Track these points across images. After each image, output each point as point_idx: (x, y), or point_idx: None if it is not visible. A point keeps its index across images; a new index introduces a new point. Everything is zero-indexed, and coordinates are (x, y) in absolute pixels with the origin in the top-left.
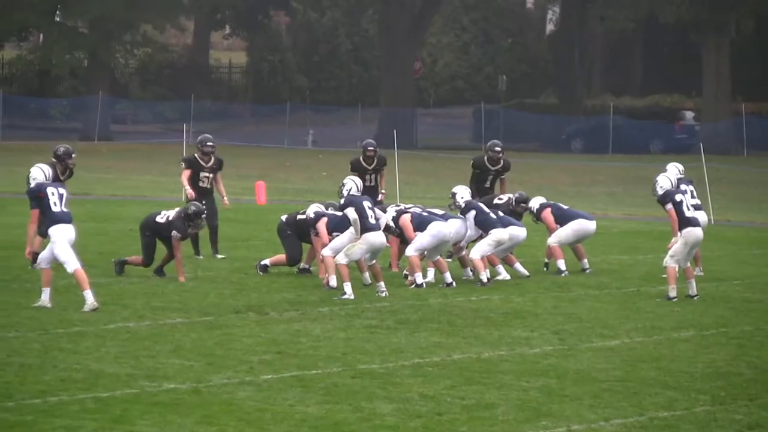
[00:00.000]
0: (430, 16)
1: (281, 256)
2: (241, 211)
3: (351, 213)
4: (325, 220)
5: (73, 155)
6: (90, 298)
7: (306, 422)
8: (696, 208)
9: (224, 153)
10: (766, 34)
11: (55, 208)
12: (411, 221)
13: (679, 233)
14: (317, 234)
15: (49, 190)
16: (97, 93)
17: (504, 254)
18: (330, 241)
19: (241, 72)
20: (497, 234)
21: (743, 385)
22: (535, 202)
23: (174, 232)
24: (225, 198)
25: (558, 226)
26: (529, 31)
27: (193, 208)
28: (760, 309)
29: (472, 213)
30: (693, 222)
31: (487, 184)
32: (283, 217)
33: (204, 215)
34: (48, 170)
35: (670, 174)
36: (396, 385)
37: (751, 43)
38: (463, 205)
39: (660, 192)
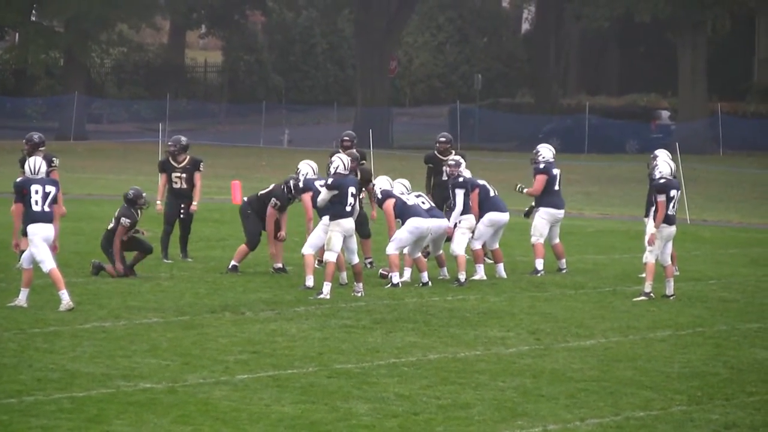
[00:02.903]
0: (406, 15)
1: (242, 248)
2: (216, 210)
3: (323, 198)
4: (310, 193)
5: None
6: (66, 298)
7: (282, 422)
8: None
9: (200, 152)
10: (742, 34)
11: (36, 207)
12: (394, 207)
13: (651, 226)
14: (277, 206)
15: (34, 187)
16: (73, 92)
17: (493, 242)
18: (309, 220)
19: (217, 71)
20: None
21: (719, 384)
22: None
23: (123, 219)
24: (194, 203)
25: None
26: (505, 30)
27: (131, 192)
28: (737, 309)
29: (461, 192)
30: (670, 220)
31: (444, 177)
32: (245, 198)
33: (143, 195)
34: (36, 163)
35: (669, 159)
36: (372, 384)
37: (727, 43)
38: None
39: (659, 177)
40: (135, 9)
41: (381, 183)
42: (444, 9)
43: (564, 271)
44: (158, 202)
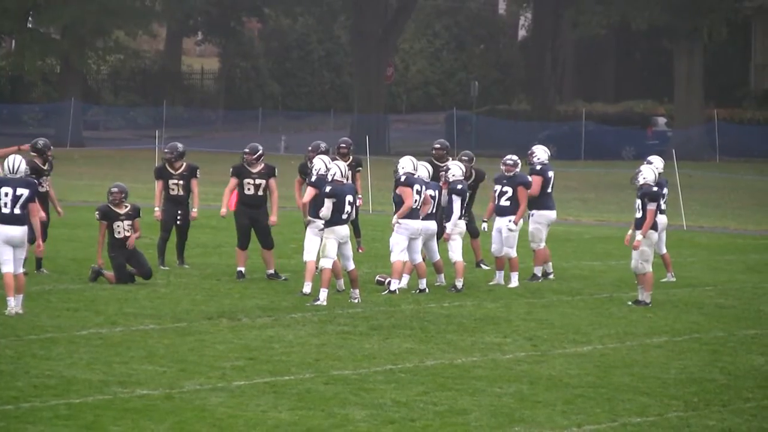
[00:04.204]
0: (402, 22)
1: (237, 251)
2: (213, 217)
3: (327, 207)
4: (314, 193)
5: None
6: (11, 304)
7: (278, 428)
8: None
9: (196, 159)
10: (738, 40)
11: (5, 210)
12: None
13: (638, 233)
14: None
15: (4, 189)
16: (70, 99)
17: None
18: (303, 205)
19: (214, 78)
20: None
21: (716, 390)
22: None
23: (96, 213)
24: (194, 209)
25: None
26: (502, 37)
27: (114, 188)
28: (733, 315)
29: (458, 199)
30: (655, 226)
31: (441, 182)
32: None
33: (113, 191)
34: (15, 162)
35: (657, 166)
36: (369, 391)
37: (723, 49)
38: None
39: (642, 183)
40: (131, 16)
41: (405, 164)
42: (440, 16)
43: (550, 275)
44: (156, 209)
